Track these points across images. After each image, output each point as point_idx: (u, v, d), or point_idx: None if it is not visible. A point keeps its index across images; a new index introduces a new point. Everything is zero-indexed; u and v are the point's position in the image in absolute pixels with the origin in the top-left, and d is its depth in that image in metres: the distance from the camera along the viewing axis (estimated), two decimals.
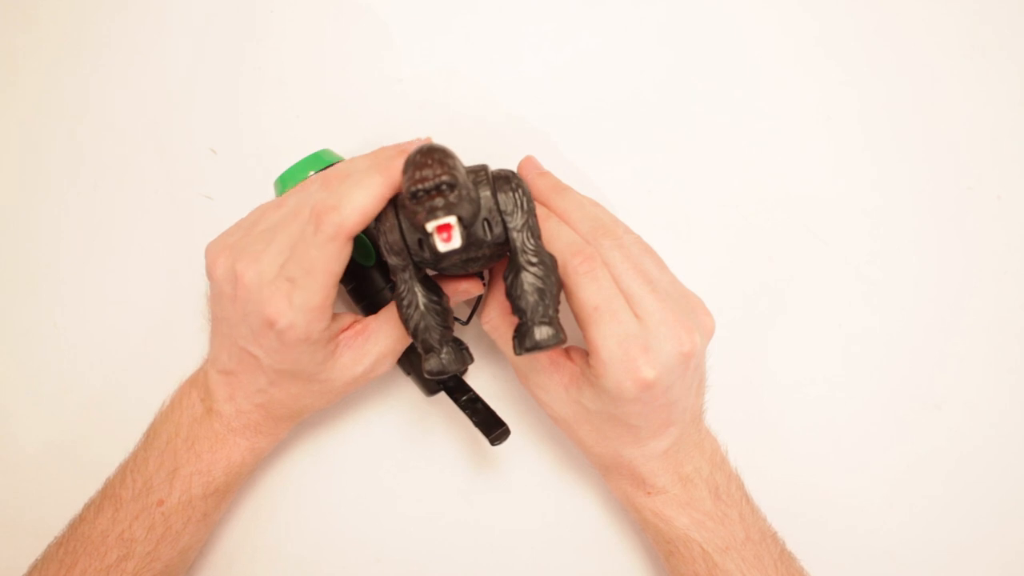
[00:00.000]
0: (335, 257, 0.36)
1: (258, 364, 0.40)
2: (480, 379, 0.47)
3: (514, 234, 0.36)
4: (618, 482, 0.43)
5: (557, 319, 0.36)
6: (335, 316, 0.40)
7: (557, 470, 0.48)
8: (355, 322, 0.41)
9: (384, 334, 0.41)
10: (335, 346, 0.40)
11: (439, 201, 0.32)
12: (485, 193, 0.36)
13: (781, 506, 0.42)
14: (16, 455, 0.48)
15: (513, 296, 0.36)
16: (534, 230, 0.37)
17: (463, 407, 0.44)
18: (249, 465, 0.43)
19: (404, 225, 0.37)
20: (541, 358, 0.41)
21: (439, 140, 0.44)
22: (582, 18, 0.52)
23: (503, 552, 0.47)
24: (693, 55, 0.51)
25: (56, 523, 0.42)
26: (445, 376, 0.39)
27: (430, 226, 0.32)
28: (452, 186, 0.32)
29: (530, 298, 0.36)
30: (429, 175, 0.32)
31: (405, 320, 0.38)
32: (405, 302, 0.38)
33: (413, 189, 0.32)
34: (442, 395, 0.46)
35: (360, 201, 0.36)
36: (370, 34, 0.52)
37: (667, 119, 0.51)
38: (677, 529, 0.40)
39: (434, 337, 0.38)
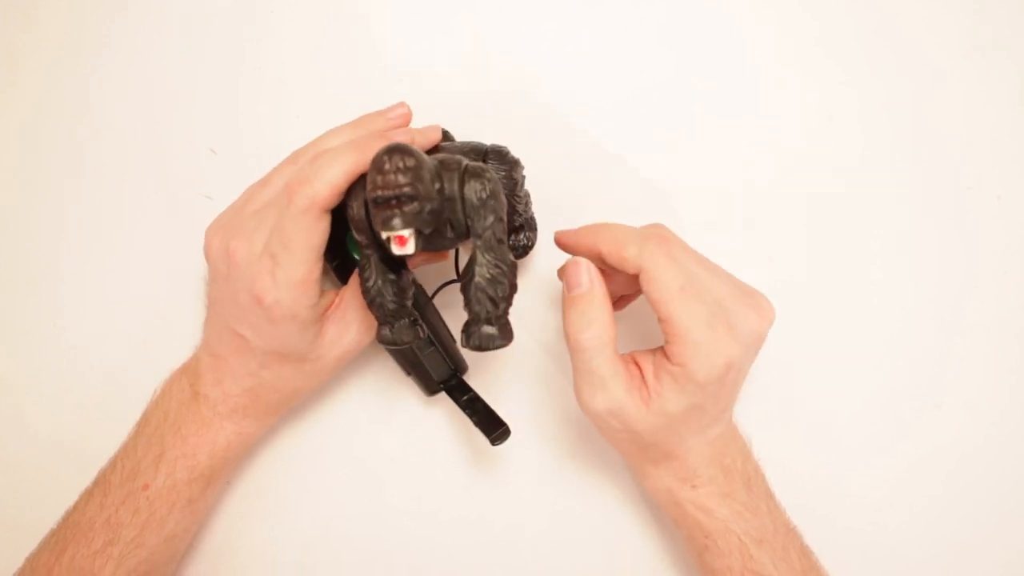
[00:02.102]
0: (310, 229, 0.36)
1: (248, 346, 0.40)
2: (480, 381, 0.47)
3: (476, 239, 0.36)
4: (662, 478, 0.41)
5: (507, 321, 0.37)
6: (322, 294, 0.40)
7: (556, 469, 0.48)
8: (335, 296, 0.42)
9: (359, 300, 0.41)
10: (322, 324, 0.40)
11: (395, 212, 0.32)
12: (453, 189, 0.36)
13: (789, 496, 0.42)
14: (16, 454, 0.48)
15: (465, 295, 0.36)
16: (498, 233, 0.36)
17: (463, 407, 0.44)
18: (235, 450, 0.43)
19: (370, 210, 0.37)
20: (621, 387, 0.38)
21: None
22: (582, 18, 0.52)
23: (501, 549, 0.47)
24: (693, 55, 0.51)
25: (56, 522, 0.42)
26: (396, 347, 0.39)
27: (384, 235, 0.33)
28: (412, 198, 0.32)
29: (480, 303, 0.36)
30: (391, 181, 0.32)
31: (364, 293, 0.38)
32: (364, 275, 0.38)
33: (373, 195, 0.32)
34: (443, 395, 0.46)
35: (332, 175, 0.36)
36: (370, 34, 0.52)
37: (667, 119, 0.51)
38: (718, 520, 0.40)
39: (388, 310, 0.38)
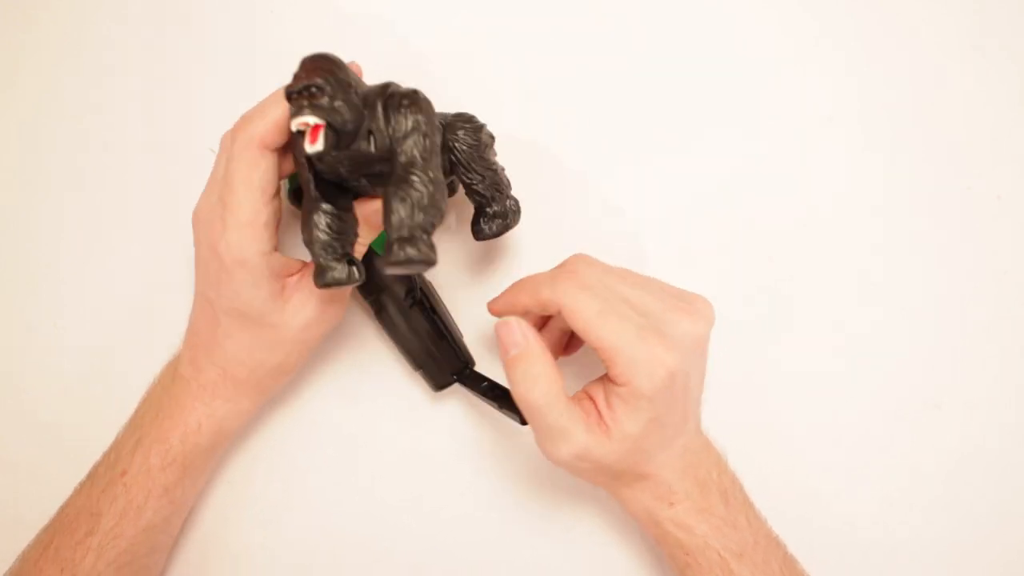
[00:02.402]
0: (251, 167, 0.36)
1: (213, 312, 0.40)
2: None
3: (397, 146, 0.35)
4: (640, 499, 0.41)
5: (430, 243, 0.34)
6: (285, 258, 0.39)
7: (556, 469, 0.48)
8: (304, 266, 0.41)
9: None
10: (282, 287, 0.40)
11: (304, 102, 0.33)
12: (374, 101, 0.35)
13: (780, 507, 0.42)
14: (17, 455, 0.49)
15: (384, 208, 0.34)
16: (421, 148, 0.35)
17: (484, 394, 0.44)
18: (206, 434, 0.42)
19: None
20: (583, 430, 0.37)
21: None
22: (582, 21, 0.52)
23: (501, 549, 0.47)
24: (691, 56, 0.51)
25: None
26: (331, 288, 0.37)
27: (294, 124, 0.33)
28: (320, 89, 0.33)
29: (398, 214, 0.34)
30: (302, 76, 0.33)
31: (302, 230, 0.37)
32: (304, 213, 0.37)
33: (287, 92, 0.33)
34: (444, 392, 0.46)
35: (273, 113, 0.36)
36: (370, 34, 0.52)
37: (665, 121, 0.51)
38: (697, 537, 0.39)
39: (322, 242, 0.37)
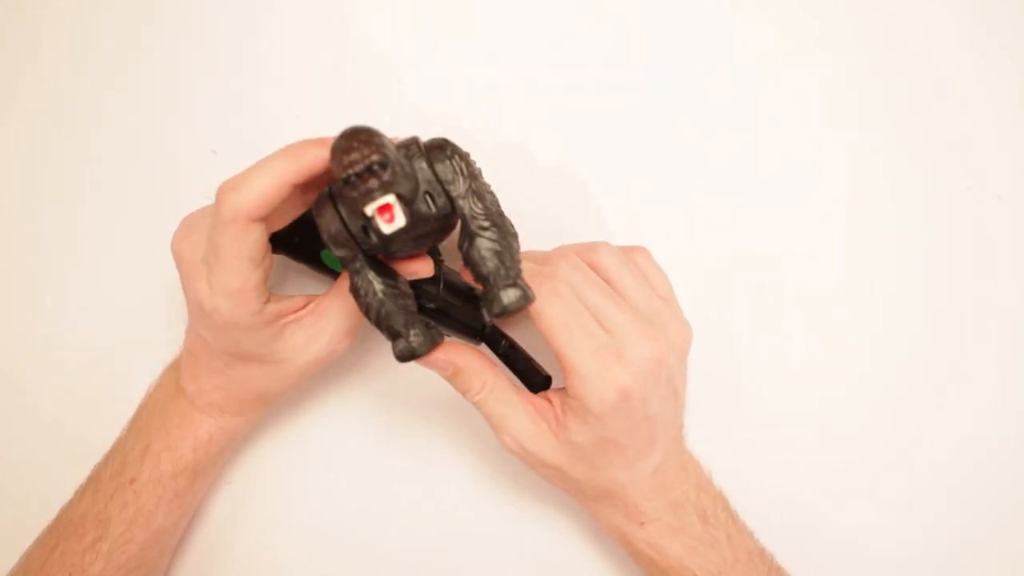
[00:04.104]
0: (238, 240, 0.35)
1: (208, 346, 0.39)
2: None
3: (460, 201, 0.35)
4: (610, 516, 0.41)
5: (523, 280, 0.36)
6: (281, 298, 0.39)
7: None
8: (307, 303, 0.40)
9: (336, 310, 0.40)
10: (280, 328, 0.39)
11: (373, 183, 0.31)
12: (421, 165, 0.35)
13: (779, 509, 0.42)
14: (18, 458, 0.49)
15: (472, 263, 0.35)
16: (480, 194, 0.35)
17: (502, 356, 0.44)
18: (218, 444, 0.42)
19: (344, 214, 0.35)
20: (525, 418, 0.39)
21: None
22: (582, 24, 0.52)
23: (503, 550, 0.47)
24: (690, 56, 0.51)
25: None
26: (414, 360, 0.37)
27: (369, 209, 0.31)
28: (384, 164, 0.31)
29: (490, 263, 0.35)
30: (358, 157, 0.31)
31: (365, 311, 0.36)
32: (361, 292, 0.36)
33: (344, 175, 0.31)
34: (447, 392, 0.46)
35: (259, 184, 0.34)
36: (370, 34, 0.52)
37: (664, 122, 0.51)
38: (671, 558, 0.39)
39: (399, 322, 0.36)
